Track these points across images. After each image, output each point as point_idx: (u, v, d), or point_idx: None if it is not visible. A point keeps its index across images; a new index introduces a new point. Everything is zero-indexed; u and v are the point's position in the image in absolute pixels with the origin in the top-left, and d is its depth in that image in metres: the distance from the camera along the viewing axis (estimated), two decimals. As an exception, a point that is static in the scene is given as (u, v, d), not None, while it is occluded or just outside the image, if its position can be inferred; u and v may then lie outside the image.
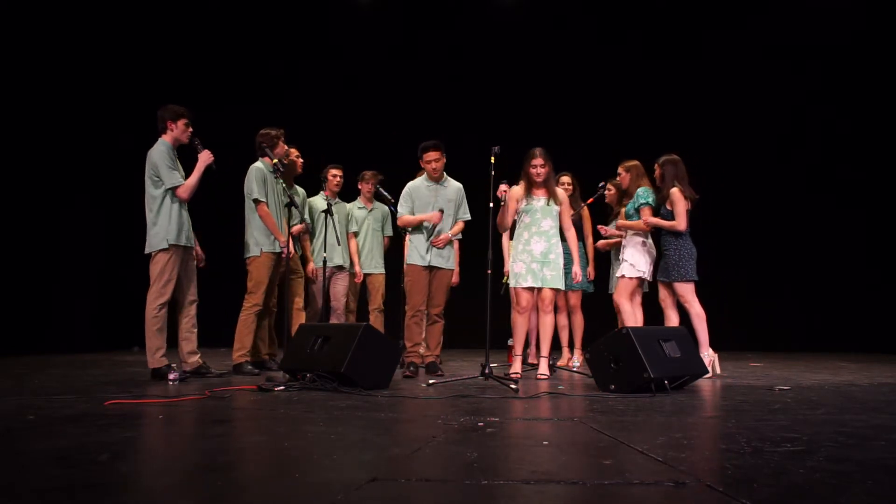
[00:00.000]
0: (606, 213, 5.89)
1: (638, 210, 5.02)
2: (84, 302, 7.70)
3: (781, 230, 8.44)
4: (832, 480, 1.71)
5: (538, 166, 4.62)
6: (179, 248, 4.34)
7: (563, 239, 5.64)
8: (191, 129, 4.43)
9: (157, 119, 4.41)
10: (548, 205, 4.64)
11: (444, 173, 5.01)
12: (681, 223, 4.76)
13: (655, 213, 4.98)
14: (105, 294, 7.92)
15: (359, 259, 5.81)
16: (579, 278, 4.80)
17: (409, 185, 5.06)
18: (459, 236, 5.17)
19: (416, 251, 4.91)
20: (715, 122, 8.31)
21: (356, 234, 5.86)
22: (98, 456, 1.96)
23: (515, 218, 4.75)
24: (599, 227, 5.59)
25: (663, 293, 4.94)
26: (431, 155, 4.87)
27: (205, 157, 4.39)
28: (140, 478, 1.78)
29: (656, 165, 5.00)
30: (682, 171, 4.89)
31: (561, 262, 4.63)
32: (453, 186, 5.02)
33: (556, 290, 4.63)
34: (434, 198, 4.94)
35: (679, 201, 4.77)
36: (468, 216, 5.05)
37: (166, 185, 4.29)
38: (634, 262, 5.00)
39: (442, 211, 4.88)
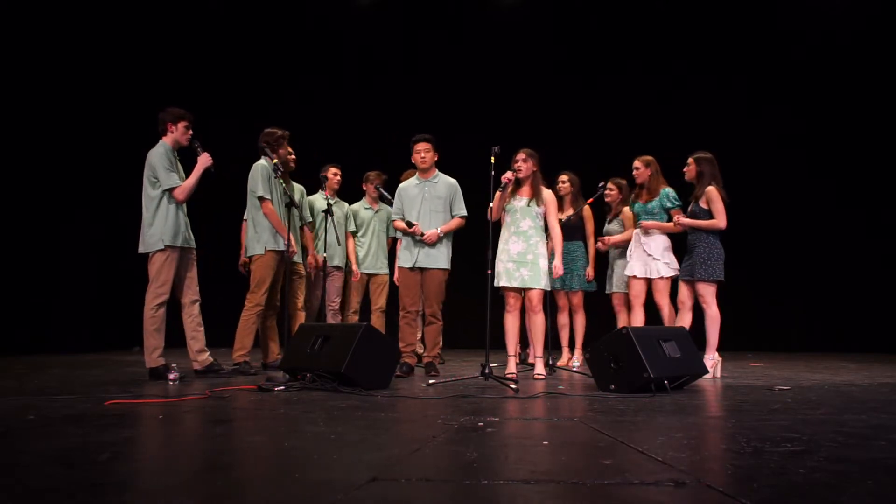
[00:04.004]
0: (606, 212, 5.89)
1: (667, 210, 5.02)
2: (84, 302, 7.70)
3: (781, 230, 8.42)
4: (832, 480, 1.71)
5: (519, 161, 4.60)
6: (176, 249, 4.36)
7: (577, 238, 5.67)
8: (191, 132, 4.48)
9: (158, 121, 4.45)
10: (528, 206, 4.61)
11: (437, 170, 4.99)
12: (722, 221, 4.71)
13: (684, 211, 4.98)
14: (105, 294, 7.92)
15: (357, 258, 5.82)
16: (559, 273, 4.67)
17: (401, 185, 5.08)
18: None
19: (404, 253, 4.93)
20: (715, 122, 8.29)
21: (354, 234, 5.88)
22: (98, 456, 1.96)
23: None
24: (598, 241, 5.61)
25: (683, 294, 4.83)
26: (421, 146, 4.89)
27: (203, 160, 4.43)
28: (140, 478, 1.78)
29: (690, 160, 4.90)
30: (717, 170, 4.84)
31: (542, 262, 4.56)
32: (444, 183, 4.96)
33: (543, 290, 4.57)
34: (421, 196, 4.91)
35: (718, 200, 4.72)
36: (464, 212, 4.97)
37: (163, 186, 4.33)
38: (669, 260, 5.01)
39: (410, 224, 4.82)
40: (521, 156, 4.61)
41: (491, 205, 4.56)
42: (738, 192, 8.18)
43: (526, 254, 4.55)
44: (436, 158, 4.98)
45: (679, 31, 8.56)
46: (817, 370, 5.49)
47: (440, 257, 4.86)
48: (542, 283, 4.54)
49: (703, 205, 4.79)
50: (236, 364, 4.76)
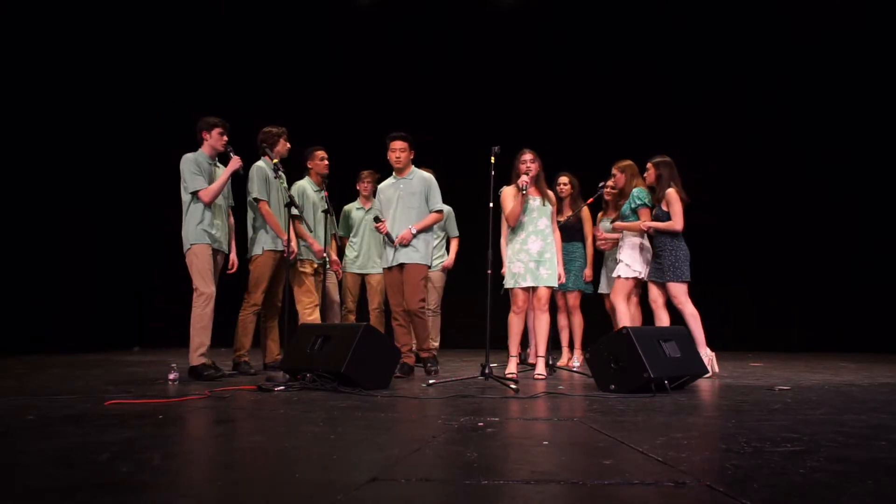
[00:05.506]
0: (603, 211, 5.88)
1: (635, 210, 5.02)
2: (84, 302, 7.70)
3: (781, 230, 8.43)
4: (832, 480, 1.71)
5: (527, 161, 4.59)
6: (206, 247, 4.43)
7: (576, 240, 5.66)
8: (225, 139, 4.59)
9: (195, 130, 4.60)
10: (543, 205, 4.63)
11: (413, 168, 4.95)
12: (678, 223, 4.77)
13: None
14: (105, 294, 7.92)
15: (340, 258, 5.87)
16: (563, 279, 4.75)
17: (379, 185, 5.09)
18: (439, 233, 5.07)
19: (384, 254, 4.92)
20: (715, 122, 8.30)
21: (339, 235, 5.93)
22: (98, 456, 1.96)
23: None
24: (595, 230, 5.59)
25: (654, 293, 4.91)
26: (396, 144, 4.85)
27: (233, 163, 4.55)
28: (140, 478, 1.78)
29: (649, 165, 4.98)
30: (676, 173, 4.92)
31: (556, 260, 4.61)
32: (418, 178, 4.90)
33: (551, 289, 4.60)
34: (395, 194, 4.88)
35: (676, 202, 4.79)
36: (439, 206, 4.90)
37: (189, 189, 4.46)
38: (630, 262, 5.01)
39: (378, 219, 4.85)
40: (528, 156, 4.61)
41: (508, 211, 4.57)
42: (738, 193, 8.27)
43: (544, 252, 4.56)
44: (412, 157, 4.93)
45: (678, 32, 8.56)
46: (817, 370, 5.49)
47: (417, 254, 4.78)
48: (555, 281, 4.58)
49: (664, 207, 4.85)
50: (236, 365, 4.80)
